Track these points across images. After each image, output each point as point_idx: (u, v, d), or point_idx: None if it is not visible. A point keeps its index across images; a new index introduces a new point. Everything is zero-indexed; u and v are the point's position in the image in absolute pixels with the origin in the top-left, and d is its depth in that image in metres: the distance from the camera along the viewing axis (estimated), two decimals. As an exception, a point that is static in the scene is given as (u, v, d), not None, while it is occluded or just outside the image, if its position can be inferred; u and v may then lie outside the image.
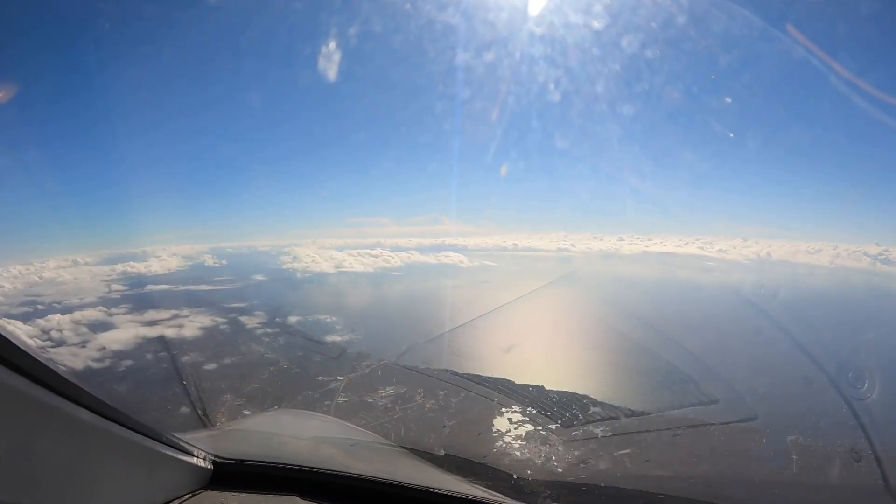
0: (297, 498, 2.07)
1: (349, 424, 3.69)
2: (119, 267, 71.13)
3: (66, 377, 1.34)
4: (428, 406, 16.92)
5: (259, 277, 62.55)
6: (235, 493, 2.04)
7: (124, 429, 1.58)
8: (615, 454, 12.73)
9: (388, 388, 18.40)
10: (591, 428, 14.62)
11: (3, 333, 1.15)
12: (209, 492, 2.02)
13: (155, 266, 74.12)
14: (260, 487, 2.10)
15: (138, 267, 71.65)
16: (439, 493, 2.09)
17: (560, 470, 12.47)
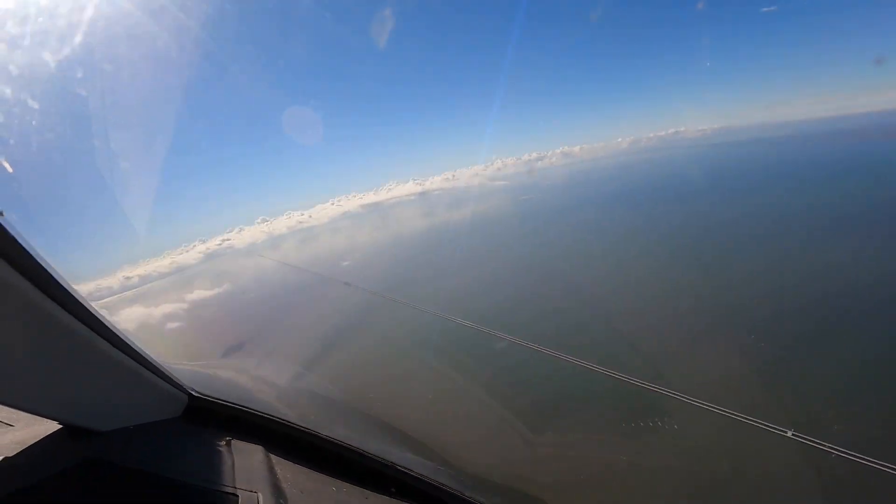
0: (262, 449, 2.05)
1: (331, 385, 3.66)
2: None
3: (66, 286, 1.34)
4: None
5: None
6: (203, 430, 2.04)
7: (111, 346, 1.60)
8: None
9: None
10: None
11: (9, 230, 1.13)
12: (179, 423, 2.03)
13: None
14: (230, 429, 2.09)
15: None
16: (403, 471, 2.08)
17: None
